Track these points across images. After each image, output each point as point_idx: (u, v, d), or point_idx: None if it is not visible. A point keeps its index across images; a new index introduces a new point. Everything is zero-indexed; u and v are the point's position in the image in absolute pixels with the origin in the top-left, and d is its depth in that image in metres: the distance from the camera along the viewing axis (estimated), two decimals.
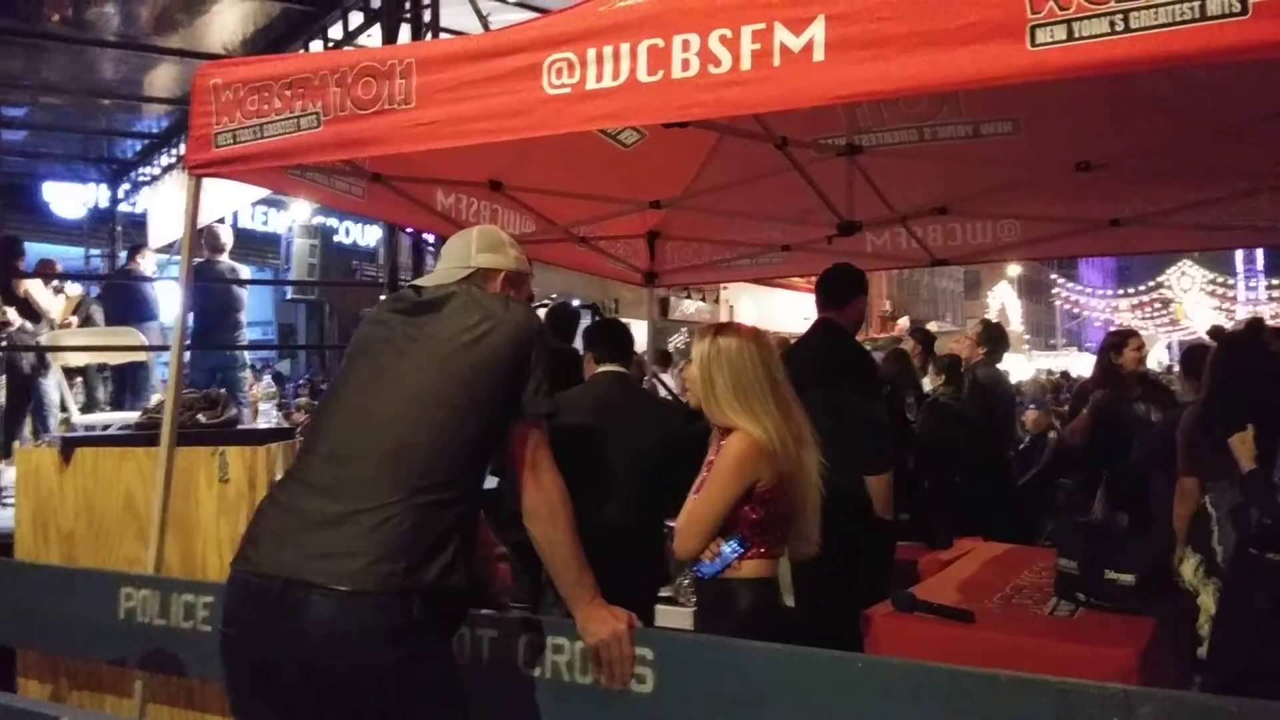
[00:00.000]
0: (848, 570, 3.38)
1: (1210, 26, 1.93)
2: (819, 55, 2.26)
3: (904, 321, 16.71)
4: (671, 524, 2.84)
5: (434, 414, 1.99)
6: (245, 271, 8.27)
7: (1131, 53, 2.00)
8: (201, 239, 7.00)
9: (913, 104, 4.00)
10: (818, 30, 2.25)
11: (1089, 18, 2.00)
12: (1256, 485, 3.08)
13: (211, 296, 7.06)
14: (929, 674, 1.94)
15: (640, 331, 8.17)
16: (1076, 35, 2.01)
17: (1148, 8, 1.97)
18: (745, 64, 2.33)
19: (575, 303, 8.22)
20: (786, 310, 16.41)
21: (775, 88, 2.32)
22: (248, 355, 7.96)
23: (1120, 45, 1.99)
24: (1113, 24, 2.00)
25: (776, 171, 4.24)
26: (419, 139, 2.79)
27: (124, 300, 7.86)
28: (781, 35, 2.29)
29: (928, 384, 6.79)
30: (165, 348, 6.14)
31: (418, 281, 2.36)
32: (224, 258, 7.35)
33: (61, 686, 3.40)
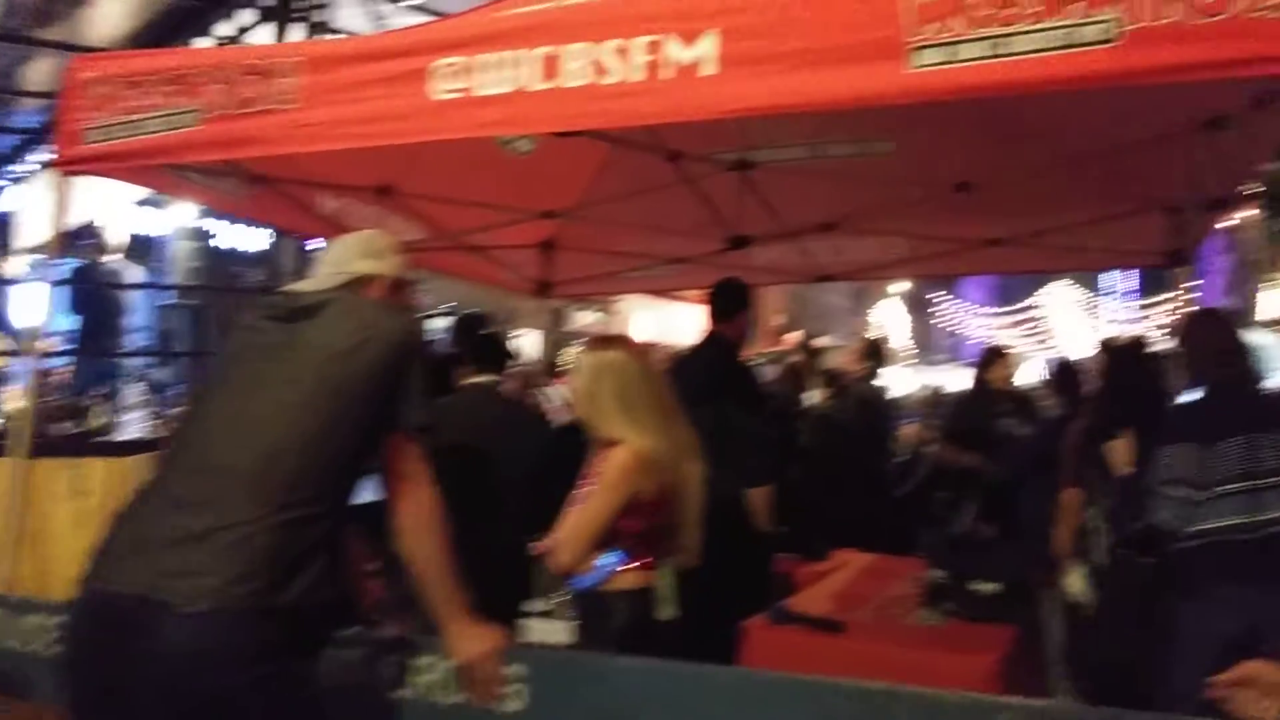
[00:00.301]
0: (728, 582, 3.42)
1: (1082, 53, 2.03)
2: (709, 70, 2.30)
3: (794, 335, 17.01)
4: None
5: (305, 425, 1.91)
6: (136, 275, 7.88)
7: (1008, 77, 2.08)
8: (88, 239, 6.69)
9: (803, 121, 4.07)
10: (709, 45, 2.29)
11: (967, 41, 2.08)
12: (1130, 489, 3.23)
13: (92, 299, 6.73)
14: (798, 686, 1.97)
15: (536, 342, 8.13)
16: (955, 58, 2.09)
17: (1024, 33, 2.06)
18: (637, 75, 2.35)
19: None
20: (683, 323, 16.54)
21: (665, 100, 2.34)
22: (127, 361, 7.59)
23: (997, 69, 2.08)
24: (990, 48, 2.08)
25: (669, 184, 4.28)
26: (303, 140, 2.72)
27: None
28: (673, 48, 2.31)
29: (813, 398, 6.93)
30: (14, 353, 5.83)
31: (294, 286, 2.28)
32: (113, 259, 7.02)
33: None
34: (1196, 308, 3.73)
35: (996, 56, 2.05)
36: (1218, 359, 3.02)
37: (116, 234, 7.01)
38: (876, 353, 6.69)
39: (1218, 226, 5.77)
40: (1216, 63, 1.97)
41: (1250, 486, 2.80)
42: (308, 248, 6.02)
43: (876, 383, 6.60)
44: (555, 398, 6.55)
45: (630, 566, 2.56)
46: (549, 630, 3.52)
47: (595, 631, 2.56)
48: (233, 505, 1.82)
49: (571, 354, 2.81)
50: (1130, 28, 1.96)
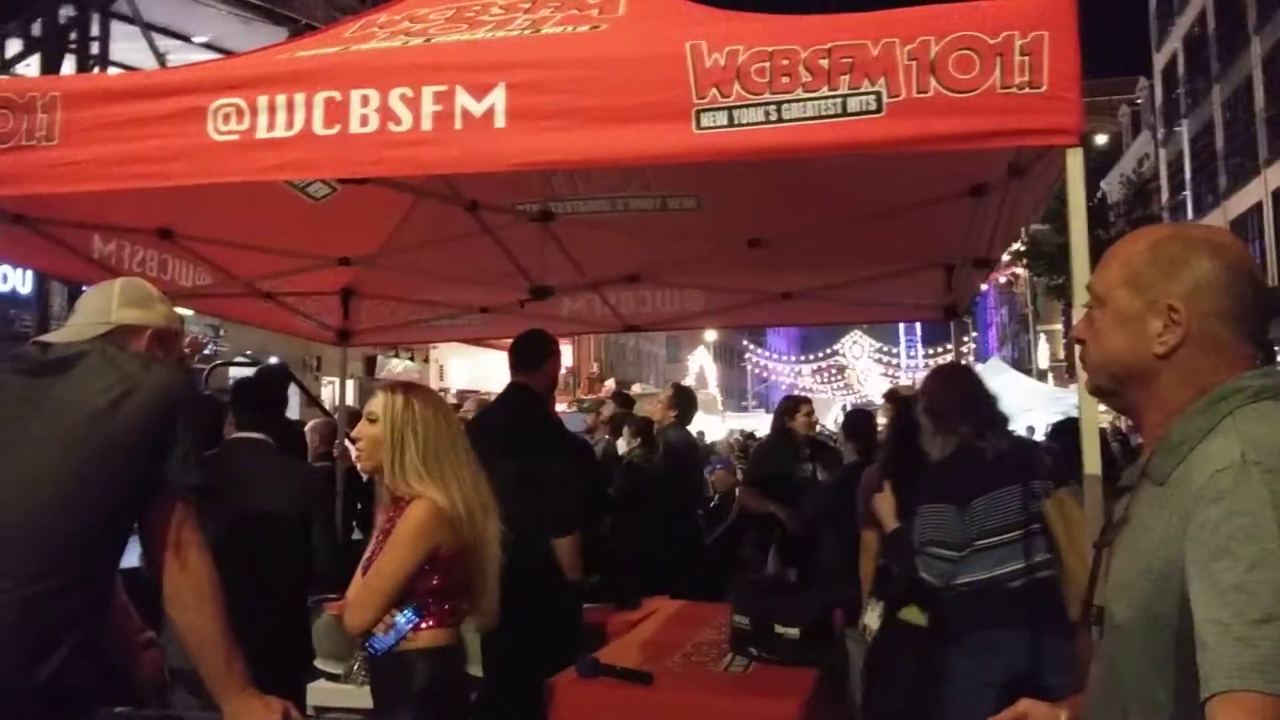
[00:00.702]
0: (535, 637, 3.37)
1: (851, 122, 2.15)
2: (500, 122, 2.30)
3: (610, 383, 17.22)
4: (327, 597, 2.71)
5: (48, 490, 1.77)
6: None
7: (784, 141, 2.19)
8: None
9: (604, 175, 4.14)
10: (498, 97, 2.29)
11: (747, 106, 2.17)
12: (897, 544, 3.31)
13: None
14: None
15: (348, 390, 7.83)
16: (736, 122, 2.17)
17: (797, 100, 2.17)
18: (426, 124, 2.32)
19: (272, 360, 7.75)
20: (497, 370, 16.42)
21: (456, 150, 2.32)
22: None
23: (775, 134, 2.17)
24: (767, 114, 2.18)
25: (471, 233, 4.24)
26: (62, 180, 2.53)
27: None
28: (463, 99, 2.30)
29: (623, 445, 6.99)
30: None
31: (45, 338, 2.09)
32: None
33: None
34: (947, 364, 3.87)
35: (772, 122, 2.15)
36: (962, 416, 3.11)
37: None
38: (685, 400, 6.82)
39: (992, 282, 6.23)
40: (971, 134, 2.13)
41: (1011, 538, 2.95)
42: (82, 290, 5.59)
43: (686, 429, 6.72)
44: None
45: (428, 625, 2.47)
46: (342, 694, 3.36)
47: (394, 693, 2.46)
48: None
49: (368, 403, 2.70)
50: (892, 100, 2.10)
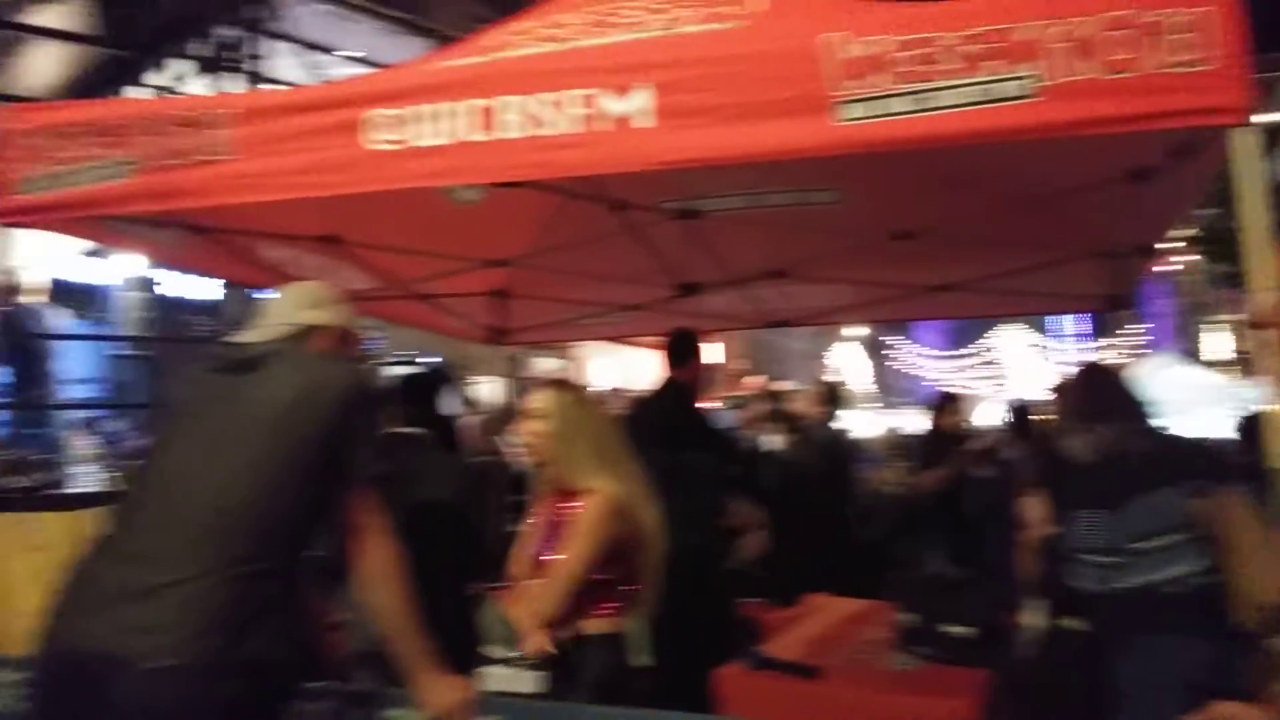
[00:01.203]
0: (695, 629, 3.40)
1: (1002, 108, 2.09)
2: (647, 122, 2.33)
3: (756, 380, 17.12)
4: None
5: (253, 481, 1.91)
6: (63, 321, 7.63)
7: (932, 130, 2.14)
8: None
9: (742, 171, 4.13)
10: (641, 98, 2.32)
11: (889, 96, 2.13)
12: (1049, 550, 3.16)
13: (19, 349, 6.57)
14: None
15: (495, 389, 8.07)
16: (879, 112, 2.14)
17: (946, 89, 2.12)
18: (573, 127, 2.37)
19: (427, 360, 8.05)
20: (641, 368, 16.57)
21: (602, 152, 2.37)
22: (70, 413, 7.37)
23: (920, 123, 2.13)
24: (914, 102, 2.14)
25: (618, 232, 4.30)
26: (239, 191, 2.72)
27: None
28: (606, 101, 2.35)
29: (773, 442, 6.96)
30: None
31: (238, 338, 2.26)
32: (30, 300, 6.86)
33: None
34: (1087, 363, 3.61)
35: (921, 111, 2.10)
36: (1104, 416, 2.95)
37: (36, 278, 6.84)
38: (834, 396, 6.75)
39: (1158, 271, 5.90)
40: (1130, 116, 2.04)
41: (1168, 543, 2.78)
42: (257, 297, 5.97)
43: (836, 426, 6.65)
44: (515, 443, 6.53)
45: (601, 613, 2.55)
46: (514, 679, 3.49)
47: (568, 679, 2.54)
48: (185, 561, 1.82)
49: (531, 399, 2.81)
50: (1048, 84, 2.02)
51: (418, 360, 7.73)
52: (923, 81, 2.11)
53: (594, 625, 2.57)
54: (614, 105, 2.34)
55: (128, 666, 1.71)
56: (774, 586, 4.72)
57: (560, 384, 2.79)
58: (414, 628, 2.05)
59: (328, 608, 2.59)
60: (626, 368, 16.89)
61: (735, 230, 4.43)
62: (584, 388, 2.84)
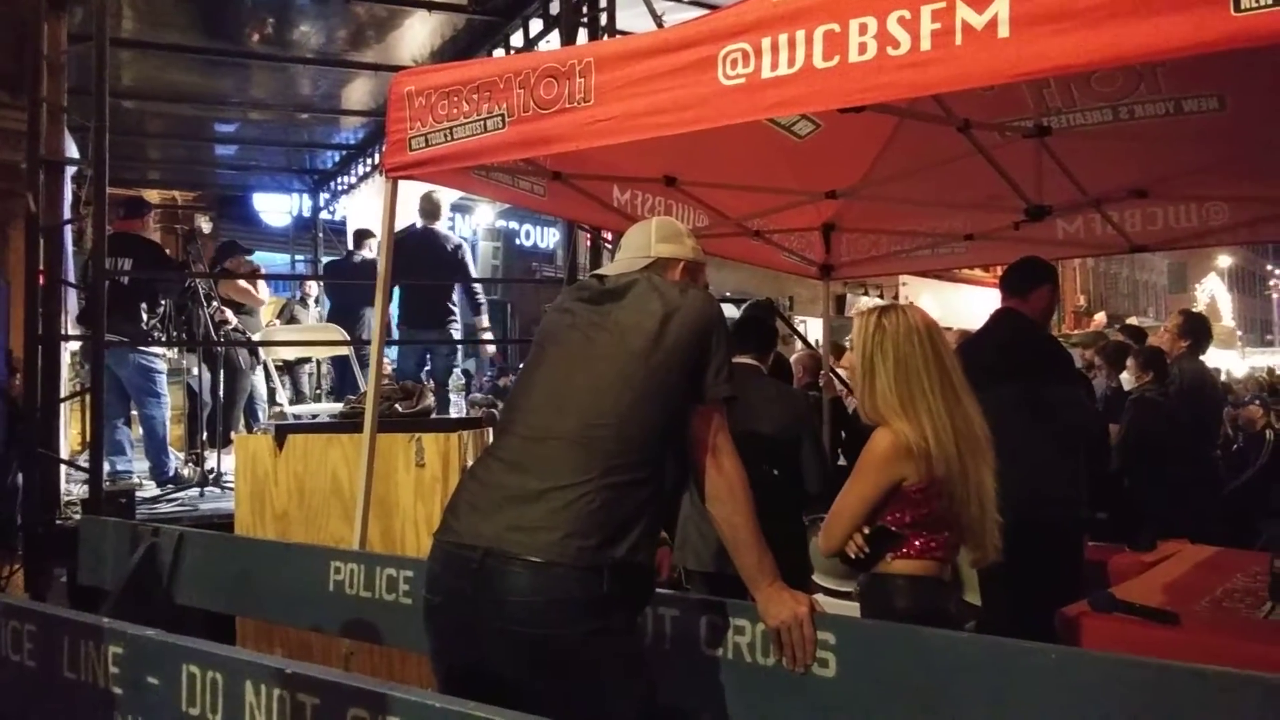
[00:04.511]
0: (1033, 568, 3.26)
1: None
2: (1004, 31, 2.20)
3: (1100, 316, 15.81)
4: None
5: (621, 397, 2.05)
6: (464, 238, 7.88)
7: None
8: (418, 208, 7.30)
9: (1106, 82, 3.79)
10: (1001, 6, 2.19)
11: None
12: None
13: (424, 267, 7.18)
14: (1128, 668, 1.84)
15: (817, 328, 8.09)
16: None
17: None
18: (925, 44, 2.28)
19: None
20: (969, 305, 15.85)
21: (957, 67, 2.26)
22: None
23: None
24: None
25: (958, 157, 4.10)
26: (597, 135, 2.88)
27: (349, 287, 8.11)
28: (963, 13, 2.23)
29: (1128, 379, 6.46)
30: (365, 341, 6.49)
31: (600, 271, 2.44)
32: (440, 225, 7.52)
33: (275, 653, 3.70)
34: None
35: None
36: None
37: (442, 197, 7.45)
38: (1198, 328, 6.12)
39: None
40: None
41: None
42: (604, 240, 6.34)
43: (1202, 361, 6.05)
44: (842, 380, 6.53)
45: (906, 553, 2.43)
46: (841, 608, 3.53)
47: (875, 613, 2.51)
48: (564, 469, 1.99)
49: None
50: None
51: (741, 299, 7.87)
52: None
53: (900, 565, 2.43)
54: (971, 16, 2.22)
55: (510, 562, 1.91)
56: (1126, 530, 4.41)
57: (875, 310, 2.58)
58: (758, 542, 2.12)
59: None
60: (954, 304, 16.23)
61: (1093, 146, 4.10)
62: (907, 313, 2.55)
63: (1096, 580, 3.59)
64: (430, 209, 7.36)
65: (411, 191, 6.48)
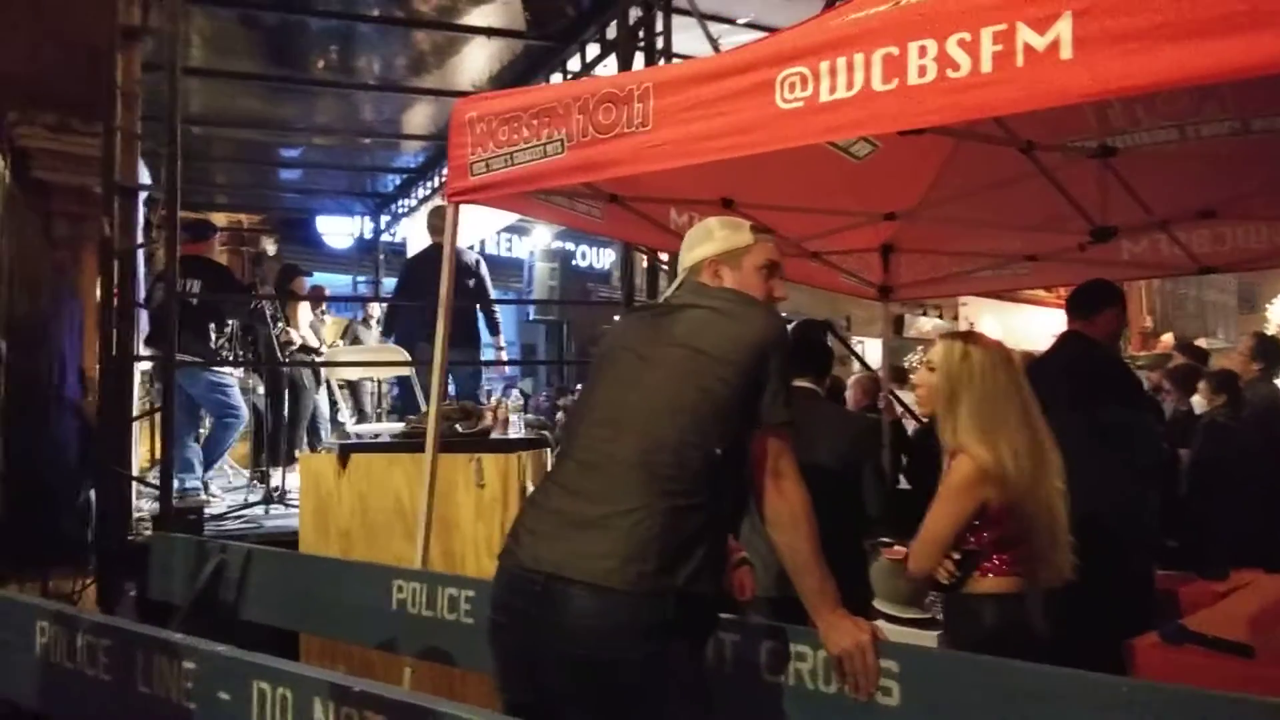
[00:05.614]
0: (1103, 598, 3.19)
1: None
2: (1066, 53, 2.18)
3: (1168, 338, 15.45)
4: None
5: (676, 421, 2.04)
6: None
7: None
8: (428, 224, 7.30)
9: (1172, 101, 3.73)
10: (1064, 27, 2.17)
11: None
12: None
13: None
14: (1201, 701, 1.81)
15: (876, 349, 8.02)
16: None
17: None
18: (986, 66, 2.27)
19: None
20: (1032, 326, 15.57)
21: (1019, 88, 2.25)
22: (490, 372, 8.16)
23: None
24: None
25: (1019, 178, 4.07)
26: (654, 159, 2.90)
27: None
28: (1025, 35, 2.22)
29: (1199, 403, 6.32)
30: (426, 363, 6.56)
31: (666, 293, 2.44)
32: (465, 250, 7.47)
33: (338, 670, 3.75)
34: None
35: None
36: None
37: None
38: (1271, 351, 5.97)
39: None
40: None
41: None
42: (660, 262, 6.37)
43: (1275, 384, 5.90)
44: (905, 402, 6.46)
45: (990, 573, 2.50)
46: (902, 635, 3.49)
47: (962, 634, 2.52)
48: (620, 495, 1.99)
49: (914, 360, 2.71)
50: None
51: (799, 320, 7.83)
52: None
53: (985, 584, 2.50)
54: (1032, 38, 2.21)
55: (571, 587, 1.91)
56: (1197, 558, 4.30)
57: (958, 336, 2.68)
58: (821, 568, 2.11)
59: (736, 545, 2.72)
60: (1016, 325, 15.97)
61: (1158, 166, 4.02)
62: (988, 342, 2.68)
63: (1167, 610, 3.52)
64: (441, 225, 7.38)
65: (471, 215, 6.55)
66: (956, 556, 2.51)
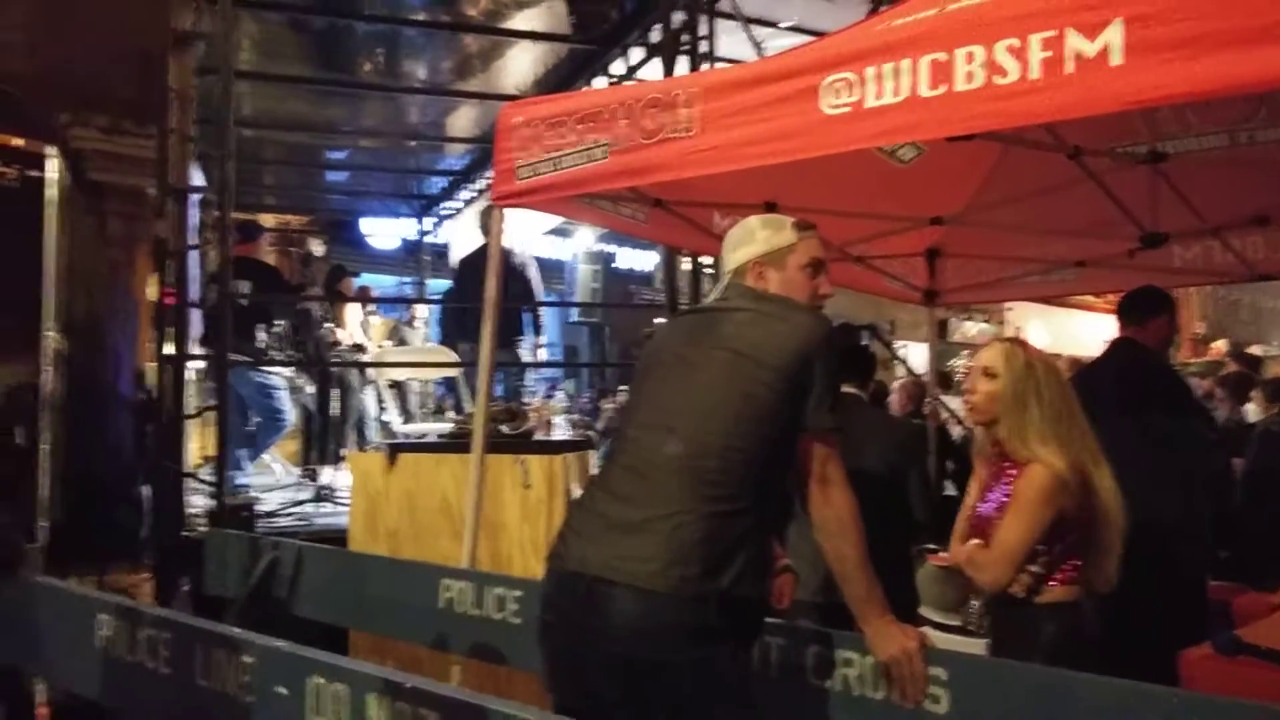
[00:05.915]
0: (1154, 608, 3.16)
1: None
2: (1116, 59, 2.17)
3: (1220, 344, 15.14)
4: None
5: (720, 427, 2.04)
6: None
7: None
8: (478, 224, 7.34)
9: (1225, 107, 3.68)
10: (1114, 34, 2.16)
11: None
12: None
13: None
14: (1255, 714, 1.79)
15: (919, 354, 7.97)
16: None
17: None
18: (1034, 73, 2.26)
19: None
20: (1080, 332, 15.34)
21: (1068, 95, 2.24)
22: (536, 373, 8.19)
23: None
24: None
25: (1068, 183, 4.03)
26: (699, 164, 2.92)
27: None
28: (1074, 41, 2.21)
29: (1252, 411, 6.21)
30: (472, 364, 6.62)
31: (709, 297, 2.45)
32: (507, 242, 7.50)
33: (387, 666, 3.81)
34: None
35: None
36: None
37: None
38: None
39: None
40: None
41: None
42: (702, 265, 6.38)
43: None
44: (951, 408, 6.42)
45: (1056, 582, 2.51)
46: (948, 642, 3.47)
47: (1020, 644, 2.50)
48: (664, 499, 2.00)
49: (961, 363, 2.71)
50: None
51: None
52: None
53: (1051, 593, 2.49)
54: (1082, 45, 2.20)
55: (617, 590, 1.93)
56: (1255, 569, 4.23)
57: (1016, 343, 2.68)
58: (868, 575, 2.11)
59: (781, 552, 2.72)
60: (1064, 331, 15.74)
61: (1209, 173, 3.96)
62: (1042, 352, 2.68)
63: (1220, 621, 3.46)
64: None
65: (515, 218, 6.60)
66: (1034, 569, 2.50)
